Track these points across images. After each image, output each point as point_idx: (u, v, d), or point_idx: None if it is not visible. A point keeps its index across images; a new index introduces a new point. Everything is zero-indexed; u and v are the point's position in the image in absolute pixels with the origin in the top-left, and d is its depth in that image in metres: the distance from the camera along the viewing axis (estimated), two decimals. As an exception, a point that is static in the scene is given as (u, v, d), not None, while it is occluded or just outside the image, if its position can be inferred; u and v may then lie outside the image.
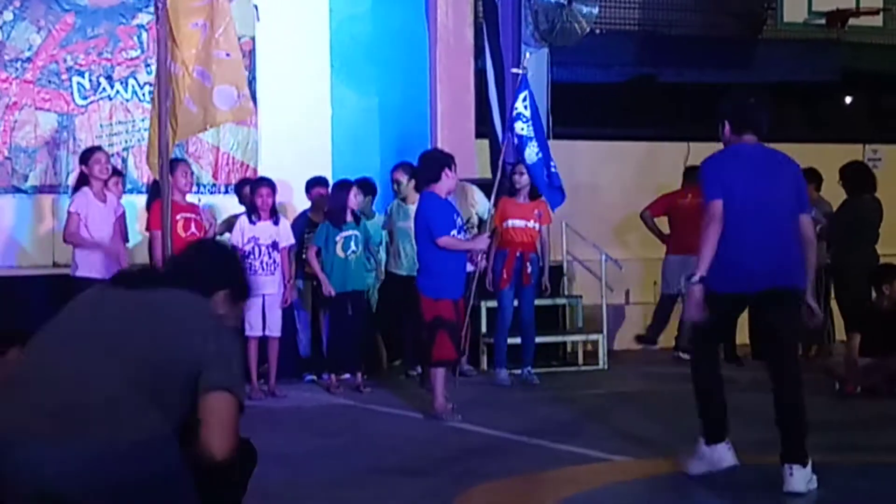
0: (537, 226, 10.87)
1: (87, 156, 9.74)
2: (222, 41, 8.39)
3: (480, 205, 11.02)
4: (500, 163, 10.27)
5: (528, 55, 10.49)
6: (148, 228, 9.88)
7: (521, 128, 10.41)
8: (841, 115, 16.94)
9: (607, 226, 13.36)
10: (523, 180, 10.79)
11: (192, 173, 10.30)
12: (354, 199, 10.33)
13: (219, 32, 8.36)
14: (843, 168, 11.60)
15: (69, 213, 9.52)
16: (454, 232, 8.95)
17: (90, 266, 9.42)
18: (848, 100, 17.04)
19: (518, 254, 10.76)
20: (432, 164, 9.00)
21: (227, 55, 8.41)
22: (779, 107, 16.40)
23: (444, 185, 8.93)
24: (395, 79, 12.51)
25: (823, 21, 14.60)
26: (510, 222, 10.81)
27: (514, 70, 10.51)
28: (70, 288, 9.34)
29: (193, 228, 10.00)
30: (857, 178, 11.43)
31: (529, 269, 10.78)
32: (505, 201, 10.82)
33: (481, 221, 10.93)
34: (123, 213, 9.88)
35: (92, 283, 9.22)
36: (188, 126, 8.42)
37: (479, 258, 9.72)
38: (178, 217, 9.73)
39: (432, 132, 12.47)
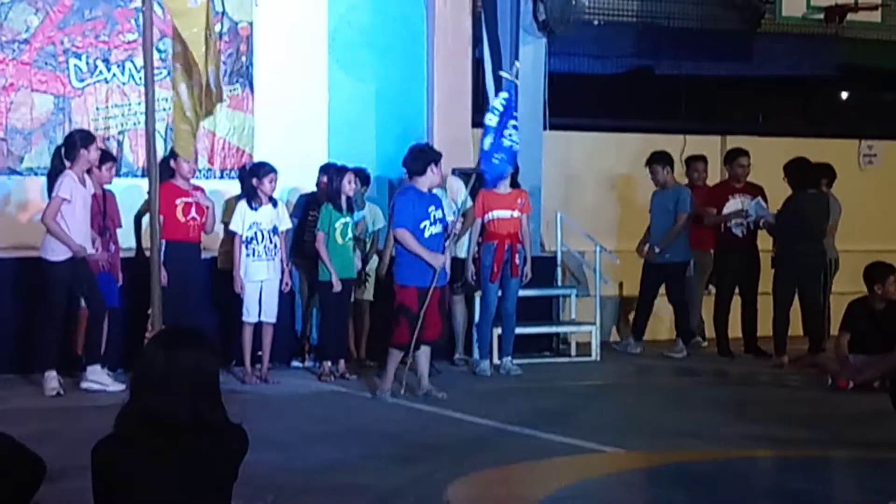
0: (520, 215, 10.85)
1: (89, 140, 9.58)
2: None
3: (460, 192, 10.88)
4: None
5: (518, 64, 10.47)
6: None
7: (490, 118, 10.27)
8: (838, 110, 16.93)
9: (602, 217, 13.35)
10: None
11: (195, 159, 10.24)
12: (349, 185, 10.34)
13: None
14: (786, 165, 11.64)
15: (57, 197, 9.32)
16: (426, 223, 9.33)
17: (64, 250, 9.32)
18: (845, 95, 17.03)
19: (507, 245, 10.75)
20: (421, 159, 9.40)
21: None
22: (776, 101, 16.53)
23: (428, 179, 9.38)
24: (393, 67, 12.47)
25: (822, 16, 14.55)
26: (494, 214, 10.77)
27: (503, 73, 10.47)
28: (43, 271, 9.36)
29: (194, 213, 10.05)
30: (799, 173, 11.47)
31: (518, 260, 10.77)
32: (485, 194, 10.73)
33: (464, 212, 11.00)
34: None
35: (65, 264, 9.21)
36: (209, 105, 8.45)
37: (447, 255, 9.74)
38: (177, 202, 9.80)
39: (429, 121, 12.43)
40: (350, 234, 10.33)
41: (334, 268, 10.20)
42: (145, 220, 9.80)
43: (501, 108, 10.11)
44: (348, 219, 10.32)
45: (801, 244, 11.23)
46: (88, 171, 9.60)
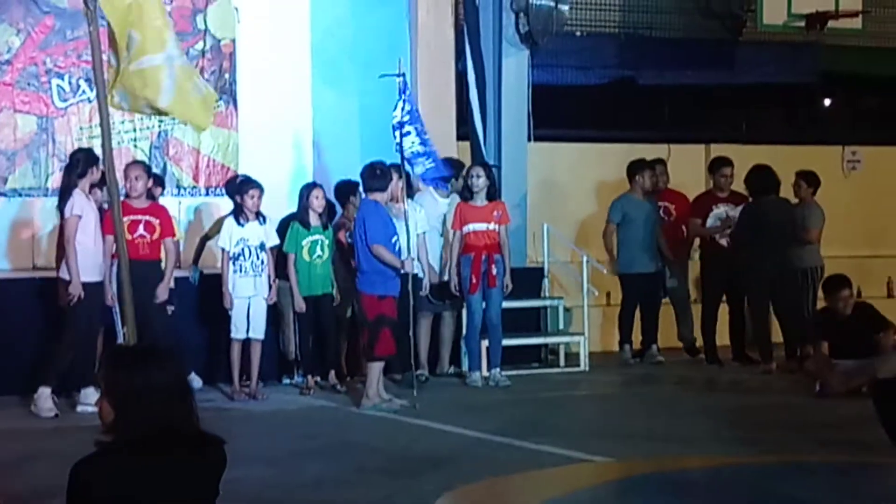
0: (497, 227, 10.89)
1: (95, 159, 9.49)
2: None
3: (441, 204, 11.22)
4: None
5: (401, 60, 10.49)
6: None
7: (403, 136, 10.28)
8: (820, 117, 17.00)
9: (588, 228, 13.37)
10: (480, 182, 10.81)
11: (143, 176, 9.84)
12: (317, 201, 10.36)
13: None
14: (746, 174, 11.69)
15: (73, 216, 9.34)
16: (395, 237, 9.62)
17: (87, 270, 9.39)
18: (827, 102, 17.10)
19: (483, 256, 10.79)
20: (383, 177, 9.67)
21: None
22: (758, 109, 16.59)
23: (387, 195, 9.73)
24: (376, 81, 12.46)
25: (803, 23, 14.61)
26: (470, 227, 10.83)
27: (383, 77, 10.54)
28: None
29: (142, 230, 9.76)
30: (757, 181, 11.54)
31: (495, 271, 10.80)
32: (462, 206, 10.88)
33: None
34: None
35: (88, 286, 9.30)
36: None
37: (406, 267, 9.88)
38: (124, 220, 9.53)
39: (413, 134, 12.44)
40: (319, 252, 10.33)
41: (300, 287, 10.28)
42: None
43: (406, 117, 10.13)
44: (318, 235, 10.33)
45: (761, 251, 11.25)
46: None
